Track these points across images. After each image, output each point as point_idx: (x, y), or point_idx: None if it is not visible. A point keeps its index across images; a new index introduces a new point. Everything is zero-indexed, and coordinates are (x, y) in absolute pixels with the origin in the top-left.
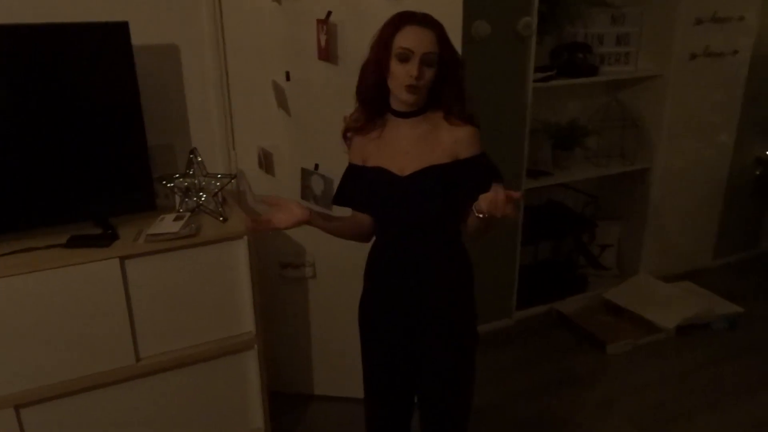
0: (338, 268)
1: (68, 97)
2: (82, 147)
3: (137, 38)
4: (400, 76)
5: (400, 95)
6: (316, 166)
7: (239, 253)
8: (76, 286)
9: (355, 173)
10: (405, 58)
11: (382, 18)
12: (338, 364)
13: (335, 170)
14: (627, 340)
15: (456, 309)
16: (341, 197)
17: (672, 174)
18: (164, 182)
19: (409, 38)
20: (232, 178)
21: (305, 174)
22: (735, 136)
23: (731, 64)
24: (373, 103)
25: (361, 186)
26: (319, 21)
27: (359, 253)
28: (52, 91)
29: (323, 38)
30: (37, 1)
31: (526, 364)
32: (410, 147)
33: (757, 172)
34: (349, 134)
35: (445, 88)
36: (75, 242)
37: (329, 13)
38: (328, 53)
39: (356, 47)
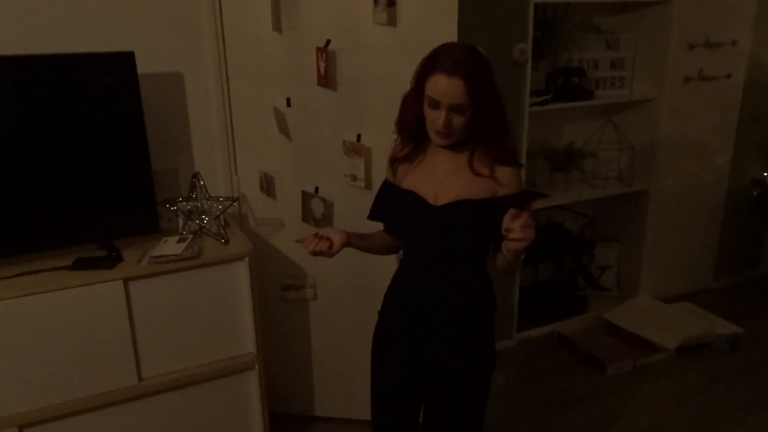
0: (339, 290)
1: (75, 124)
2: (88, 171)
3: (143, 66)
4: (431, 120)
5: (432, 137)
6: (317, 189)
7: (241, 274)
8: (80, 307)
9: (388, 190)
10: (434, 105)
11: (379, 45)
12: (339, 385)
13: (335, 193)
14: (627, 360)
15: (475, 338)
16: (377, 213)
17: (670, 195)
18: (168, 205)
19: (436, 88)
20: (234, 201)
21: (306, 197)
22: (731, 157)
23: (726, 88)
24: (413, 135)
25: (393, 204)
26: (318, 49)
27: (360, 275)
28: (60, 118)
29: (322, 65)
30: (50, 32)
31: (527, 384)
32: (446, 177)
33: (755, 193)
34: (394, 164)
35: (482, 128)
36: (80, 264)
37: (328, 42)
38: (327, 80)
39: (354, 74)
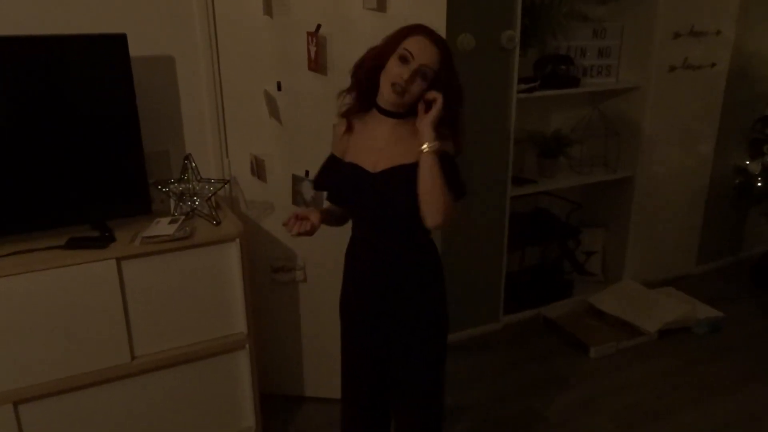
0: (329, 272)
1: (68, 105)
2: (80, 153)
3: (134, 49)
4: (393, 74)
5: (384, 90)
6: (307, 173)
7: (232, 255)
8: (74, 286)
9: (333, 164)
10: (404, 60)
11: (369, 31)
12: (328, 366)
13: None
14: (610, 343)
15: (425, 301)
16: (320, 183)
17: (654, 182)
18: (160, 187)
19: (415, 45)
20: (225, 183)
21: (296, 180)
22: (714, 145)
23: (710, 76)
24: (362, 86)
25: (337, 178)
26: (309, 33)
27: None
28: (52, 100)
29: (313, 50)
30: (42, 14)
31: (513, 366)
32: (386, 145)
33: (737, 181)
34: (345, 116)
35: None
36: (73, 244)
37: (319, 26)
38: (317, 64)
39: (344, 58)
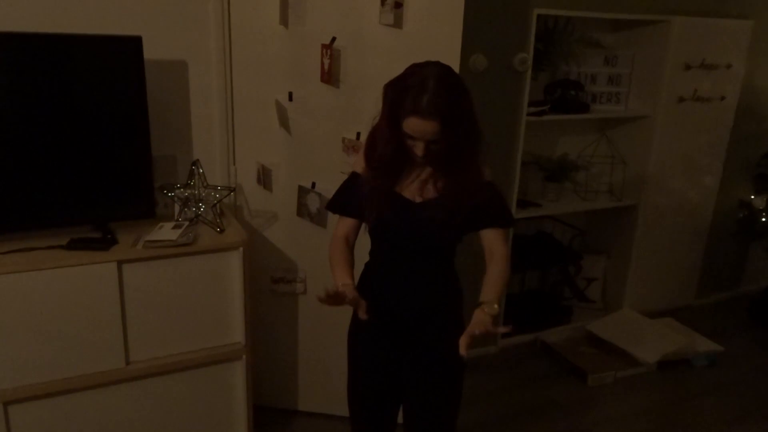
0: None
1: (79, 104)
2: (87, 153)
3: (147, 52)
4: (410, 147)
5: (412, 154)
6: (313, 185)
7: (233, 264)
8: (73, 287)
9: (359, 185)
10: (412, 138)
11: (382, 46)
12: (324, 381)
13: (331, 189)
14: (608, 372)
15: (446, 333)
16: (338, 205)
17: (658, 212)
18: (165, 191)
19: (413, 129)
20: (231, 191)
21: (302, 191)
22: (720, 178)
23: (718, 109)
24: (390, 165)
25: (375, 205)
26: (323, 45)
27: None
28: (63, 98)
29: (326, 62)
30: (59, 12)
31: (509, 391)
32: (424, 180)
33: (741, 215)
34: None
35: (457, 151)
36: (75, 244)
37: (333, 39)
38: (330, 76)
39: (357, 72)
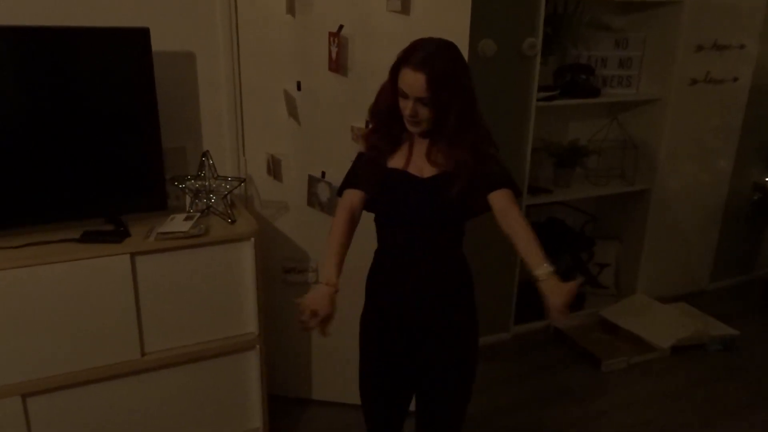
0: (341, 275)
1: (88, 98)
2: (98, 146)
3: (155, 44)
4: (401, 108)
5: (405, 123)
6: (323, 174)
7: (245, 254)
8: (87, 280)
9: (367, 163)
10: (403, 95)
11: (392, 33)
12: (337, 369)
13: (341, 178)
14: (622, 357)
15: (459, 315)
16: (346, 184)
17: (671, 196)
18: (176, 183)
19: (404, 81)
20: (242, 182)
21: (312, 181)
22: (733, 161)
23: (731, 91)
24: (387, 125)
25: (381, 182)
26: (330, 34)
27: (361, 260)
28: (72, 91)
29: (334, 51)
30: (66, 5)
31: (522, 378)
32: (426, 155)
33: (755, 198)
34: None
35: (447, 124)
36: (88, 237)
37: (341, 27)
38: (338, 65)
39: (365, 60)
